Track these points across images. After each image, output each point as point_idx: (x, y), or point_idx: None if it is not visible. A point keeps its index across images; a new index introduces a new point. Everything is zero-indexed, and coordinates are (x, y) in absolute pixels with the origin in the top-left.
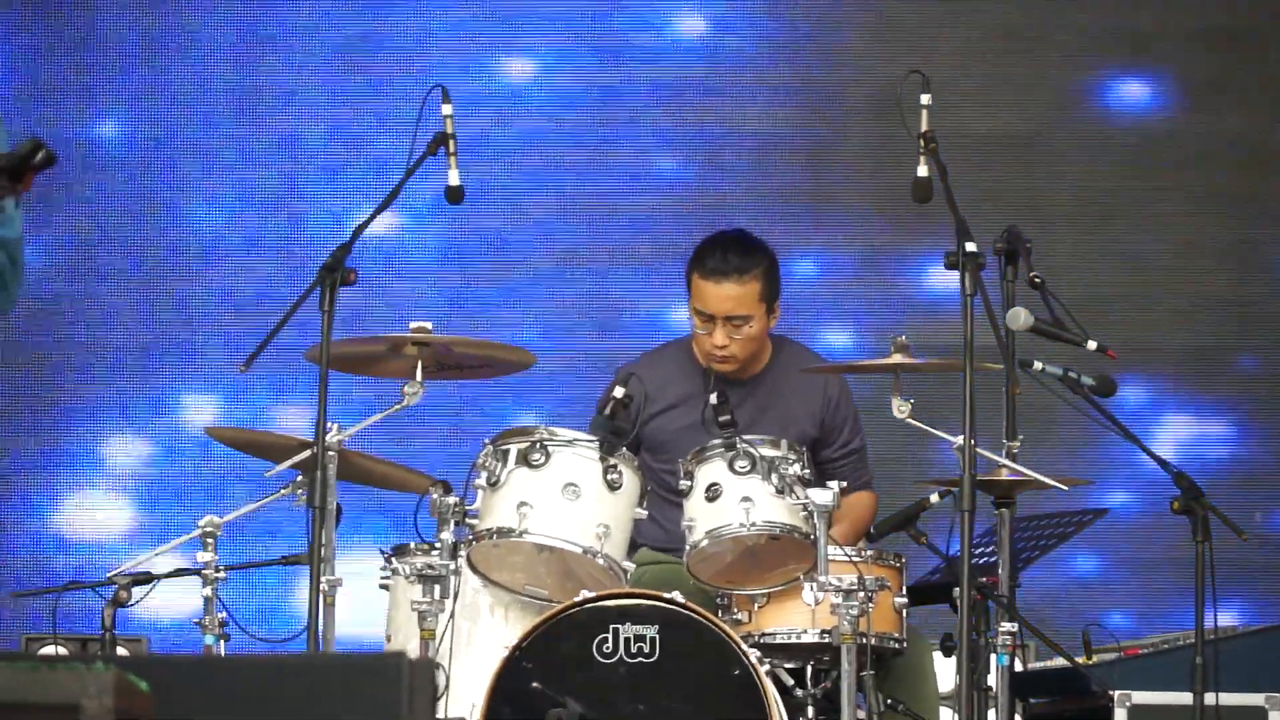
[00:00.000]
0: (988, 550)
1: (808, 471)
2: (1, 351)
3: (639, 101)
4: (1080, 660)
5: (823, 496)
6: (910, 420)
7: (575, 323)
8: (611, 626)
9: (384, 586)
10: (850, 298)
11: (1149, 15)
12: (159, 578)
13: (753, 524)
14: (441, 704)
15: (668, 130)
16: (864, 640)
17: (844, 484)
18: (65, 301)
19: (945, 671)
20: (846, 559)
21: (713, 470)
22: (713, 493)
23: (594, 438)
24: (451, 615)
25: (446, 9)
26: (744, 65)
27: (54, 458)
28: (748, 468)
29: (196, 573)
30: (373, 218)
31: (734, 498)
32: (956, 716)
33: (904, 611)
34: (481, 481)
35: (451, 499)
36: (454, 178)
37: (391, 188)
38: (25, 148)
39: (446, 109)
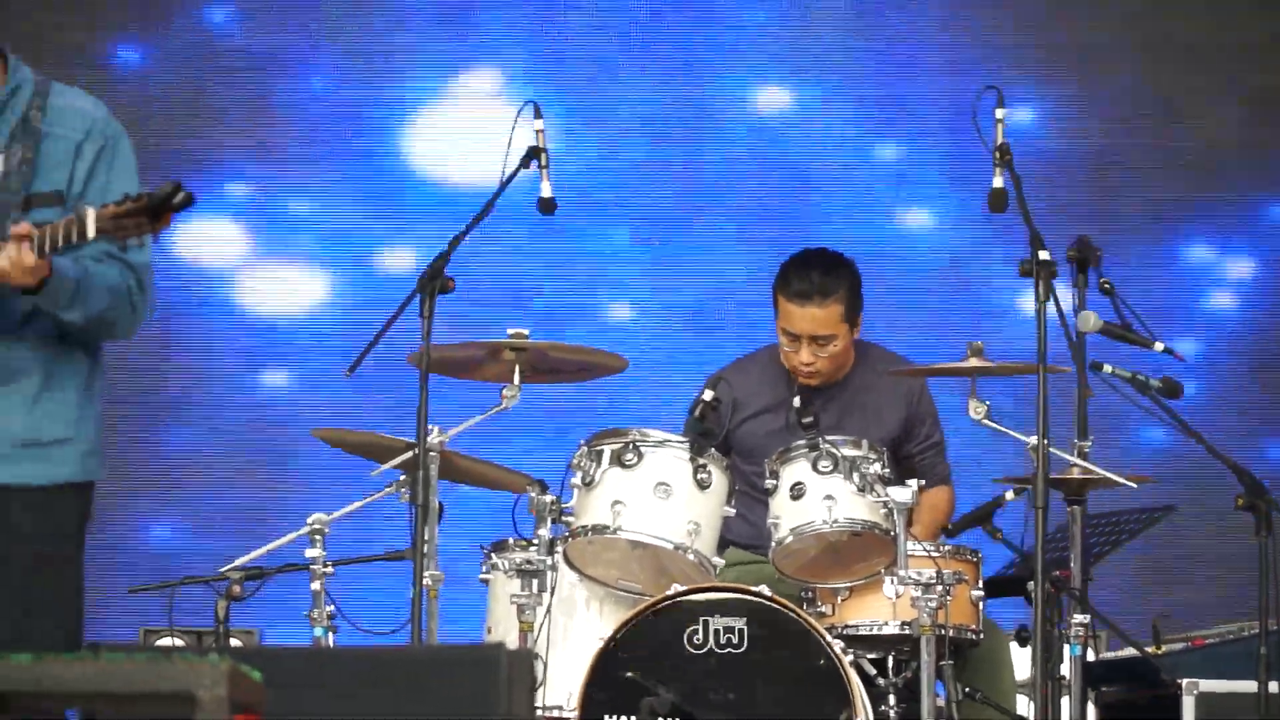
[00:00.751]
0: (1060, 545)
1: (887, 470)
2: (127, 357)
3: (724, 114)
4: (1149, 650)
5: (902, 494)
6: (985, 422)
7: (667, 328)
8: (701, 619)
9: (484, 581)
10: (928, 303)
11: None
12: (270, 573)
13: (835, 521)
14: (539, 694)
15: (754, 141)
16: (942, 632)
17: (922, 481)
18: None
19: (1021, 661)
20: (925, 554)
21: (797, 470)
22: (797, 491)
23: (684, 439)
24: (549, 608)
25: (535, 33)
26: (829, 82)
27: (171, 457)
28: (830, 467)
29: (305, 568)
30: (469, 228)
31: (817, 496)
32: (1032, 704)
33: (980, 604)
34: (577, 481)
35: (548, 497)
36: (546, 190)
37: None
38: (166, 189)
39: (538, 124)
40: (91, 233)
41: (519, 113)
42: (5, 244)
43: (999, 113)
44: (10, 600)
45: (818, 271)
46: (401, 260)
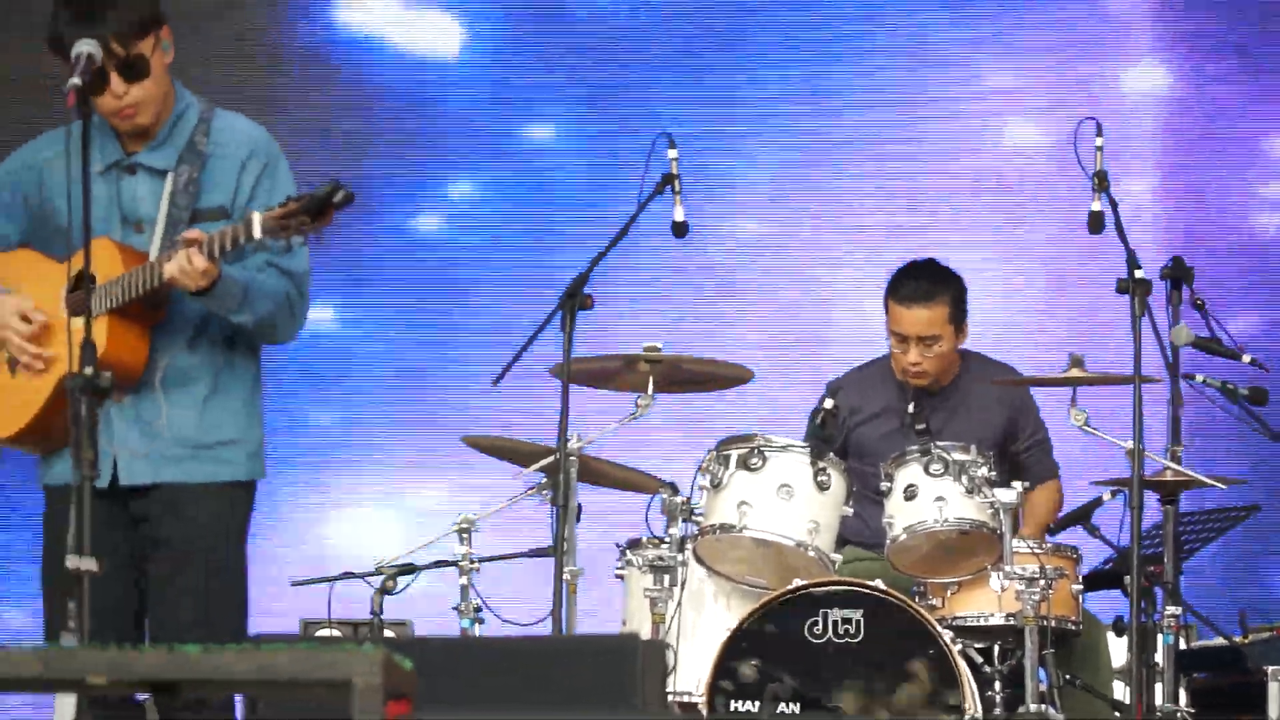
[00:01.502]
0: (1154, 542)
1: (994, 473)
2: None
3: (842, 137)
4: (1237, 640)
5: (1007, 495)
6: (1085, 428)
7: (789, 341)
8: (821, 610)
9: (619, 576)
10: (1032, 317)
11: None
12: (421, 568)
13: (945, 520)
14: (670, 681)
15: (868, 163)
16: (1045, 623)
17: (1027, 484)
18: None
19: (1117, 650)
20: (1029, 551)
21: (910, 473)
22: (910, 493)
23: (805, 444)
24: (679, 602)
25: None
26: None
27: (332, 459)
28: (941, 470)
29: (454, 564)
30: (608, 249)
31: (929, 497)
32: (1128, 690)
33: (1080, 597)
34: (705, 483)
35: (679, 499)
36: (679, 214)
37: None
38: (326, 188)
39: (672, 154)
40: (257, 233)
41: (654, 143)
42: (176, 257)
43: (1098, 141)
44: (185, 592)
45: (925, 278)
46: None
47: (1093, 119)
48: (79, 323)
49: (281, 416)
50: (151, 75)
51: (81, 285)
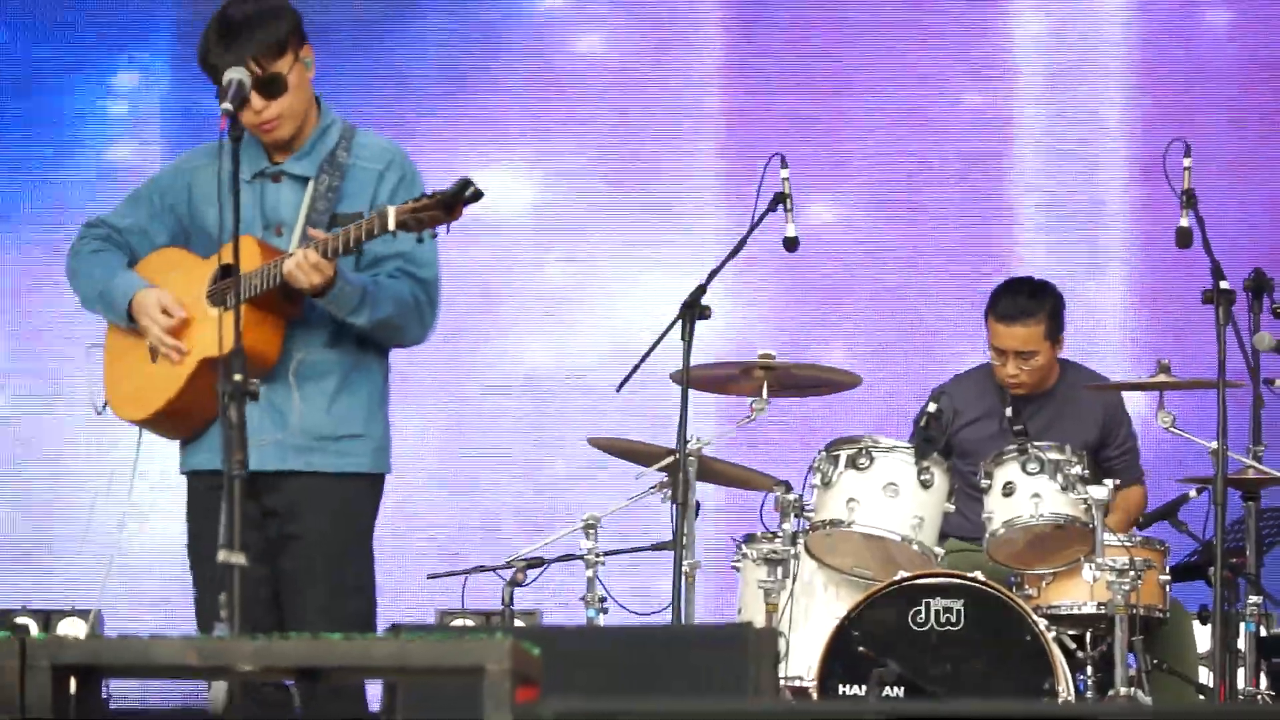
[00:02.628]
0: (1237, 536)
1: (1086, 472)
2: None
3: (940, 157)
4: None
5: (1099, 492)
6: (1173, 429)
7: (896, 348)
8: (924, 600)
9: (735, 568)
10: (1122, 326)
11: None
12: (549, 562)
13: (1041, 515)
14: (782, 666)
15: (969, 180)
16: (1134, 611)
17: (1118, 481)
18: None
19: (1202, 637)
20: (1119, 544)
21: (1008, 471)
22: (1008, 490)
23: (910, 444)
24: (791, 592)
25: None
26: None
27: (466, 459)
28: (1037, 469)
29: (580, 558)
30: (724, 263)
31: (1026, 494)
32: (1212, 675)
33: (1167, 587)
34: (816, 481)
35: (791, 496)
36: (791, 229)
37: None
38: (457, 185)
39: (784, 173)
40: (392, 225)
41: (766, 164)
42: (295, 255)
43: (1186, 161)
44: (313, 582)
45: (1023, 296)
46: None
47: (1181, 140)
48: (225, 317)
49: (418, 417)
50: (289, 91)
51: (225, 277)
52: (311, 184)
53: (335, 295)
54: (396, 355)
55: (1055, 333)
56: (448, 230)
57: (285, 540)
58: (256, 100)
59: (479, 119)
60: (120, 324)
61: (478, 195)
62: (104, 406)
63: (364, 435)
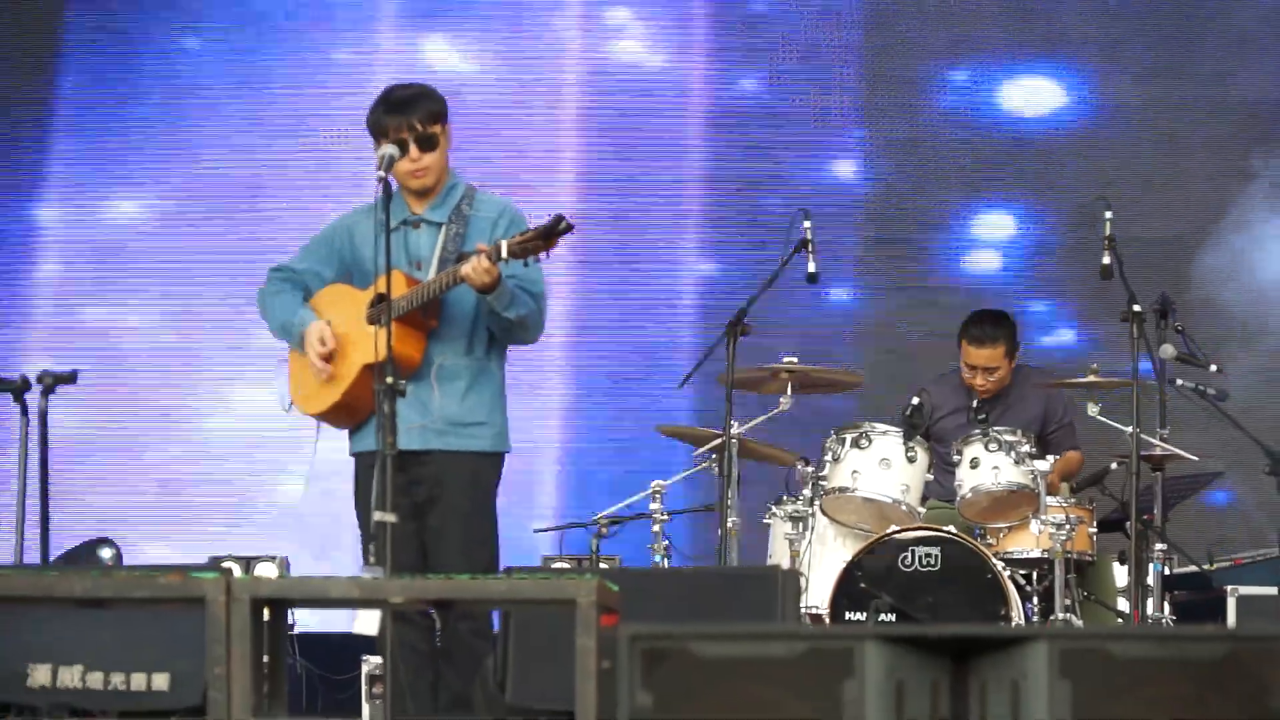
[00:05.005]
0: (1148, 498)
1: (1034, 449)
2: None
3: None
4: (1206, 567)
5: (1043, 465)
6: (1099, 417)
7: (891, 356)
8: (910, 548)
9: (767, 524)
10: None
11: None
12: (626, 519)
13: (999, 483)
14: (803, 599)
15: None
16: (1069, 556)
17: (1057, 456)
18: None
19: (1120, 575)
20: (1058, 504)
21: (974, 449)
22: (974, 463)
23: (899, 429)
24: (809, 542)
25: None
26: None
27: (568, 442)
28: (996, 448)
29: (649, 516)
30: (760, 292)
31: (988, 466)
32: (1128, 604)
33: (1094, 537)
34: (828, 457)
35: (810, 469)
36: (812, 266)
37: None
38: (553, 220)
39: (807, 224)
40: (505, 254)
41: (793, 218)
42: (469, 262)
43: (1107, 214)
44: (458, 536)
45: (989, 325)
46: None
47: (1104, 198)
48: (377, 331)
49: (537, 408)
50: (437, 150)
51: (380, 303)
52: (443, 229)
53: (499, 293)
54: (529, 360)
55: (1012, 352)
56: (548, 256)
57: (429, 504)
58: (415, 151)
59: None
60: (296, 347)
61: (569, 228)
62: (289, 405)
63: (487, 423)
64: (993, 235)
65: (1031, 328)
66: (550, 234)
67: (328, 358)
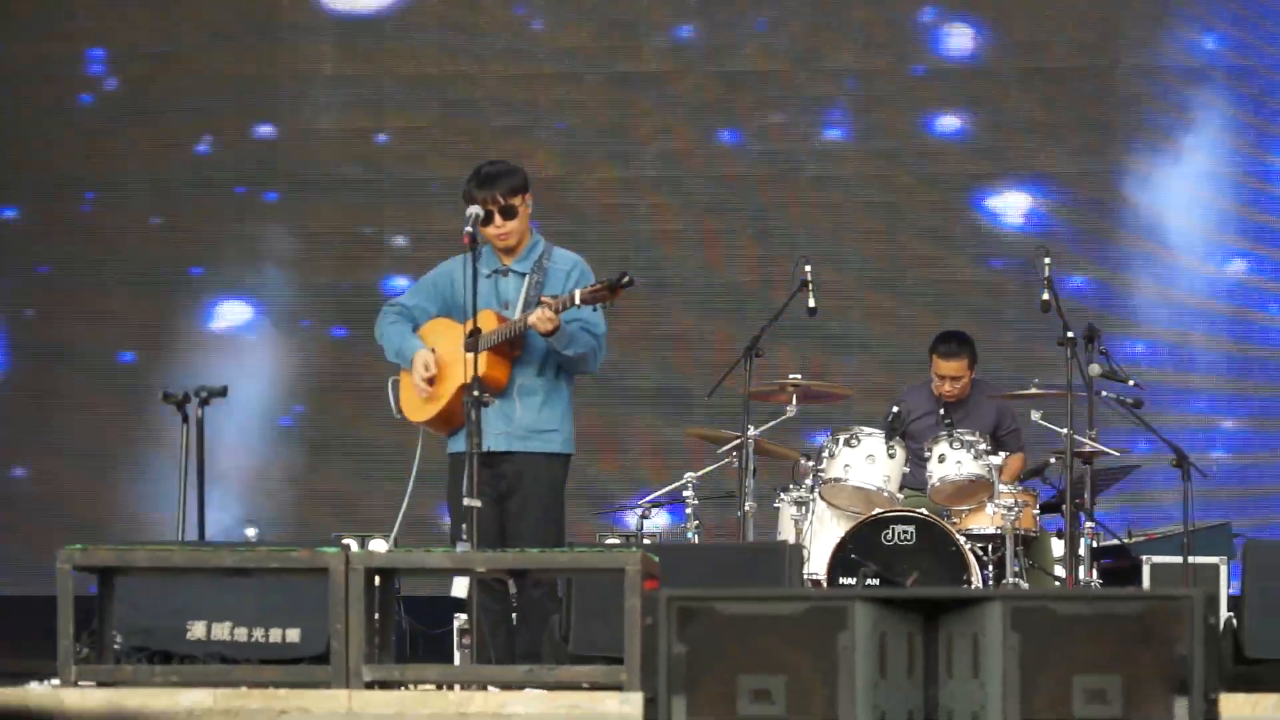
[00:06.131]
0: (1080, 485)
1: (989, 448)
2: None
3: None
4: (1125, 541)
5: (996, 460)
6: (1041, 421)
7: (876, 372)
8: (891, 526)
9: (776, 508)
10: (1015, 361)
11: None
12: (665, 504)
13: (962, 474)
14: (805, 567)
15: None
16: (1017, 532)
17: (1007, 453)
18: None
19: (1058, 548)
20: (1008, 491)
21: (941, 447)
22: (941, 458)
23: (881, 431)
24: (810, 522)
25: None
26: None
27: (624, 441)
28: (959, 446)
29: (684, 501)
30: (771, 322)
31: (952, 461)
32: (1064, 570)
33: (1037, 517)
34: (826, 454)
35: (810, 463)
36: (811, 302)
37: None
38: (618, 276)
39: (807, 268)
40: (578, 301)
41: (797, 260)
42: (535, 312)
43: (1046, 260)
44: (526, 519)
45: (955, 343)
46: None
47: (1043, 246)
48: (471, 357)
49: (597, 419)
50: (517, 217)
51: (473, 335)
52: (527, 278)
53: (558, 336)
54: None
55: (972, 365)
56: (611, 305)
57: (509, 493)
58: (498, 219)
59: None
60: (408, 369)
61: (631, 282)
62: (399, 414)
63: (558, 430)
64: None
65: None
66: (615, 287)
67: (430, 381)
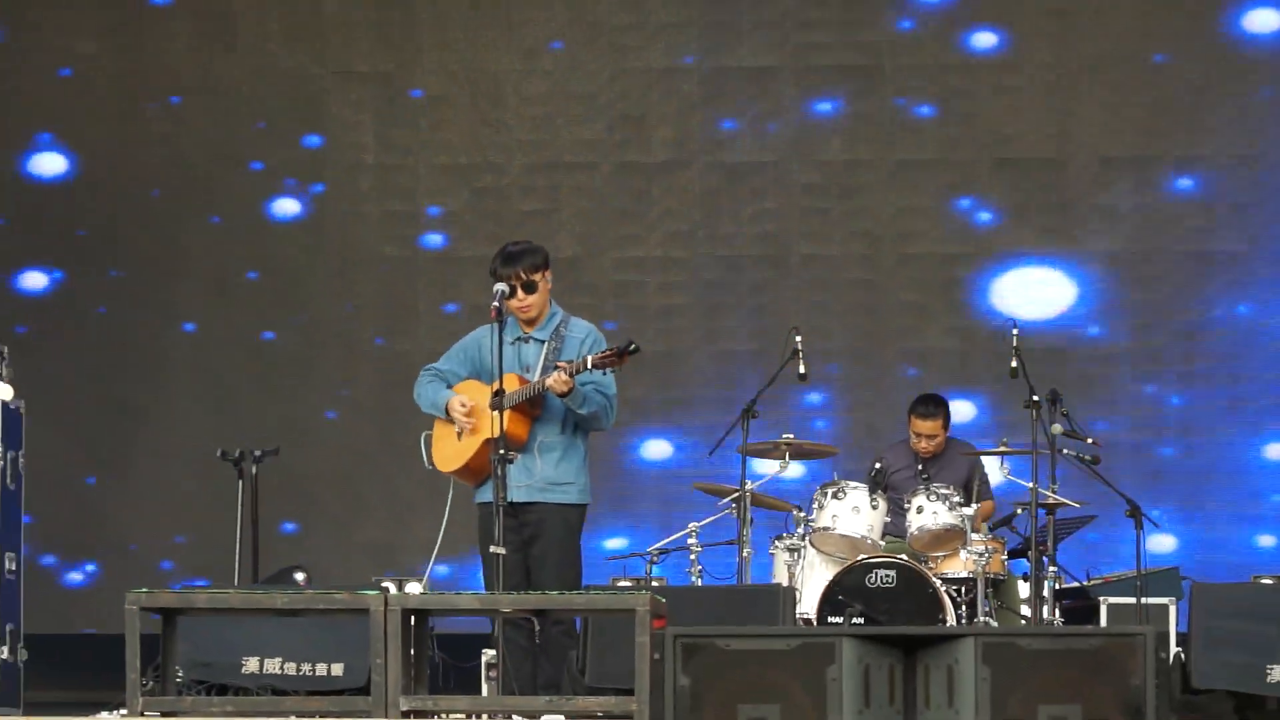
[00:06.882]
0: (1043, 533)
1: (962, 499)
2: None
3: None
4: (1085, 583)
5: (969, 511)
6: (1009, 476)
7: (862, 429)
8: (875, 570)
9: (772, 554)
10: (985, 422)
11: None
12: (671, 550)
13: (937, 524)
14: (798, 608)
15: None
16: (988, 576)
17: (978, 503)
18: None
19: (1024, 589)
20: (980, 539)
21: (919, 499)
22: (919, 510)
23: (865, 485)
24: (802, 567)
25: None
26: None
27: (634, 499)
28: (935, 498)
29: (688, 548)
30: (766, 386)
31: (929, 511)
32: (1029, 610)
33: (1005, 562)
34: (815, 506)
35: (802, 514)
36: (802, 368)
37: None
38: (624, 342)
39: (798, 338)
40: (589, 365)
41: (789, 331)
42: (551, 374)
43: (1015, 331)
44: (547, 564)
45: (931, 405)
46: None
47: (1012, 319)
48: (497, 415)
49: (610, 473)
50: (539, 292)
51: (498, 395)
52: (546, 345)
53: (573, 397)
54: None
55: (946, 425)
56: (620, 369)
57: (532, 540)
58: (522, 293)
59: None
60: (442, 417)
61: (638, 349)
62: (431, 465)
63: (575, 482)
64: None
65: (958, 412)
66: (623, 353)
67: (469, 413)
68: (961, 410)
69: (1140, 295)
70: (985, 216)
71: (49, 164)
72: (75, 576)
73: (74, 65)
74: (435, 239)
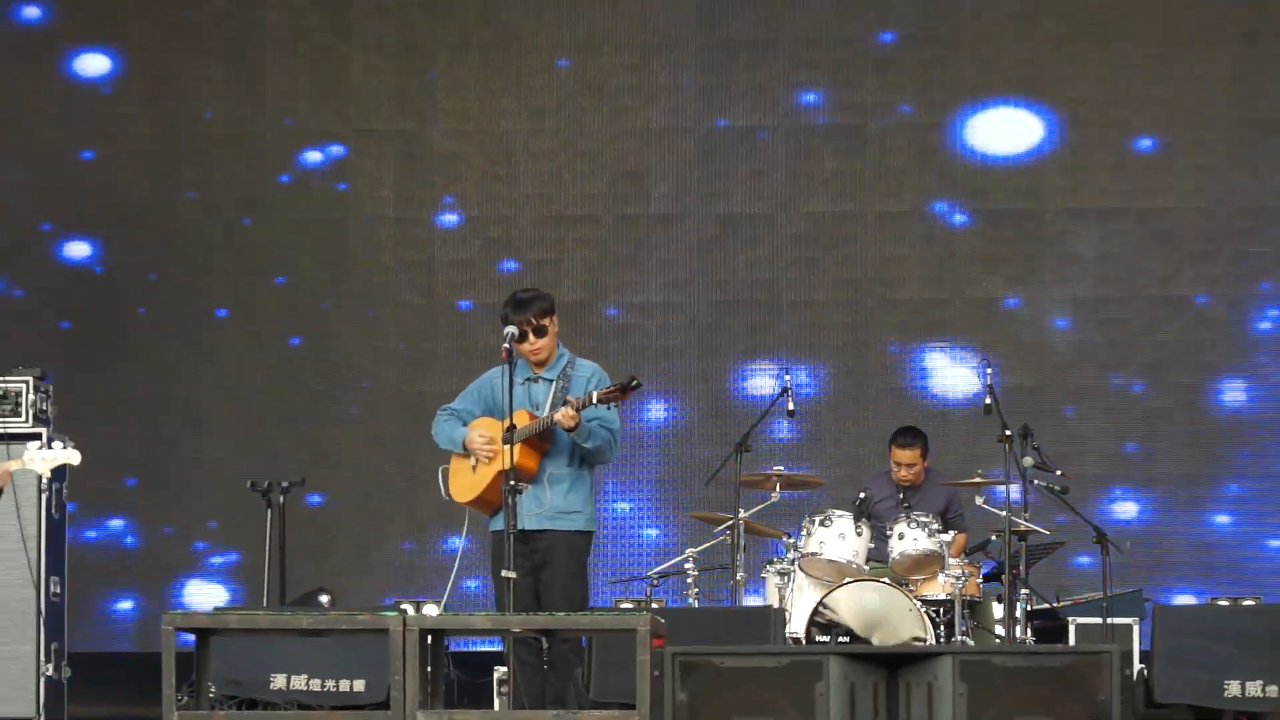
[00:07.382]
0: (1016, 557)
1: (940, 527)
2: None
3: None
4: (1055, 604)
5: (946, 538)
6: (985, 505)
7: (845, 459)
8: (860, 592)
9: (764, 577)
10: (961, 455)
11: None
12: (670, 574)
13: (918, 549)
14: (787, 628)
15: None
16: (964, 598)
17: (955, 532)
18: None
19: (998, 610)
20: (957, 564)
21: (901, 526)
22: (900, 536)
23: (850, 514)
24: (792, 589)
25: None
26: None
27: (638, 522)
28: (915, 525)
29: (685, 572)
30: (758, 422)
31: (910, 538)
32: (1003, 630)
33: (980, 584)
34: (804, 533)
35: (792, 540)
36: (791, 405)
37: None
38: (627, 379)
39: (787, 377)
40: (594, 400)
41: (780, 373)
42: (560, 411)
43: (988, 370)
44: (561, 588)
45: (910, 435)
46: None
47: (985, 357)
48: (508, 449)
49: (614, 502)
50: (547, 336)
51: (511, 431)
52: (554, 384)
53: (579, 432)
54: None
55: (925, 454)
56: (622, 405)
57: (542, 565)
58: (531, 337)
59: None
60: (459, 452)
61: (639, 385)
62: (447, 496)
63: (582, 511)
64: None
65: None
66: (625, 389)
67: (490, 441)
68: (939, 444)
69: (1107, 336)
70: (958, 264)
71: (76, 250)
72: (121, 604)
73: (114, 135)
74: (450, 286)
